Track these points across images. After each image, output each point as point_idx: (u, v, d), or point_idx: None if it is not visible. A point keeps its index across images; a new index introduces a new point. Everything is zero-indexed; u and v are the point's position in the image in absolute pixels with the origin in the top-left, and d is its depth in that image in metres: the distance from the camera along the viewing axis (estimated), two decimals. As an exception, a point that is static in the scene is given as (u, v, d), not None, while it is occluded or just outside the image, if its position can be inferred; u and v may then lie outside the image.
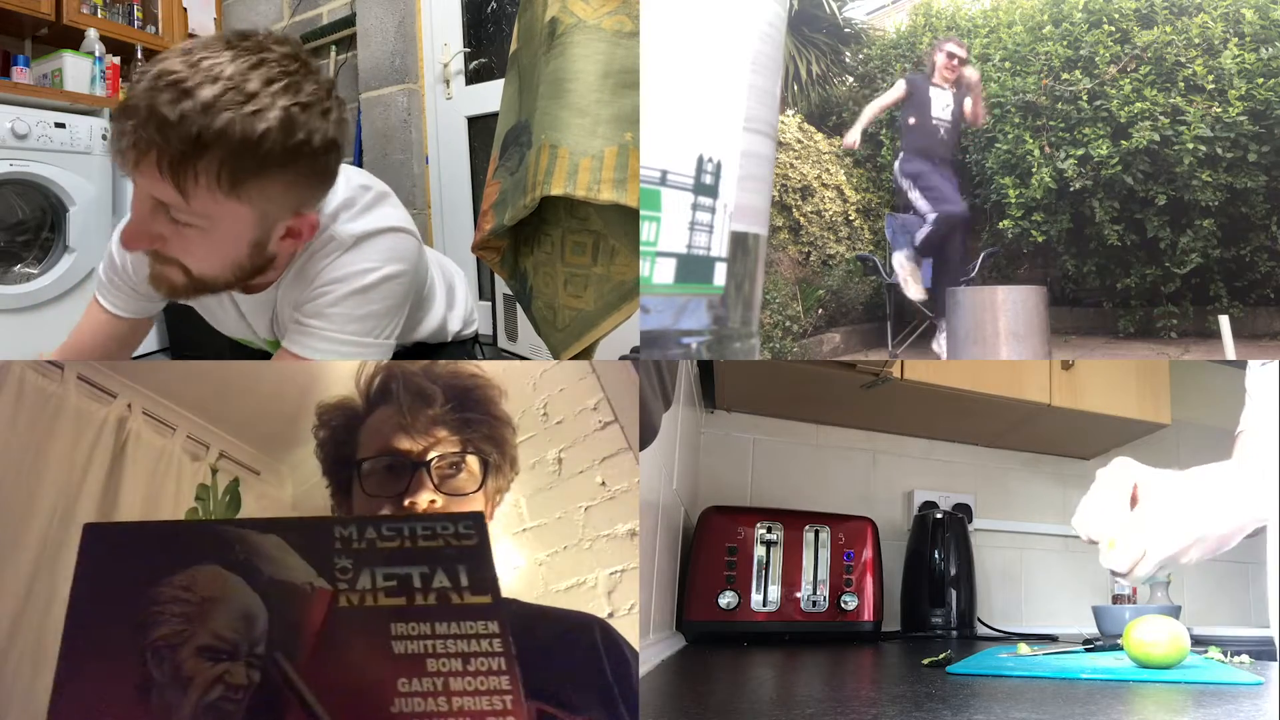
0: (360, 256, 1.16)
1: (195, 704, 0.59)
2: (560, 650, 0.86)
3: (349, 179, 1.21)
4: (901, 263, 3.05)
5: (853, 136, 3.16)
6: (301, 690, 0.59)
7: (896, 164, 3.13)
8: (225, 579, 0.65)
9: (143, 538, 0.70)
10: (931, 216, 2.97)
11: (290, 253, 1.13)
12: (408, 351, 1.61)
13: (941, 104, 3.01)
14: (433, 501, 0.96)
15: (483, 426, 1.01)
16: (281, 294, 1.22)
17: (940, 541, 1.86)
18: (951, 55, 3.03)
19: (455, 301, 1.67)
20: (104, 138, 2.97)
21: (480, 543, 0.70)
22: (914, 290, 3.02)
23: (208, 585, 0.65)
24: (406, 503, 0.95)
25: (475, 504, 0.99)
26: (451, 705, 0.59)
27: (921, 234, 3.00)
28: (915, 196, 3.01)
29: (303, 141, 0.96)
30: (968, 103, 3.04)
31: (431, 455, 0.97)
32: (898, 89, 3.08)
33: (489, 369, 1.06)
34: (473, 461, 0.99)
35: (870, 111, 3.14)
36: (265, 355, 1.44)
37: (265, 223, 1.03)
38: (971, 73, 3.06)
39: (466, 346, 1.73)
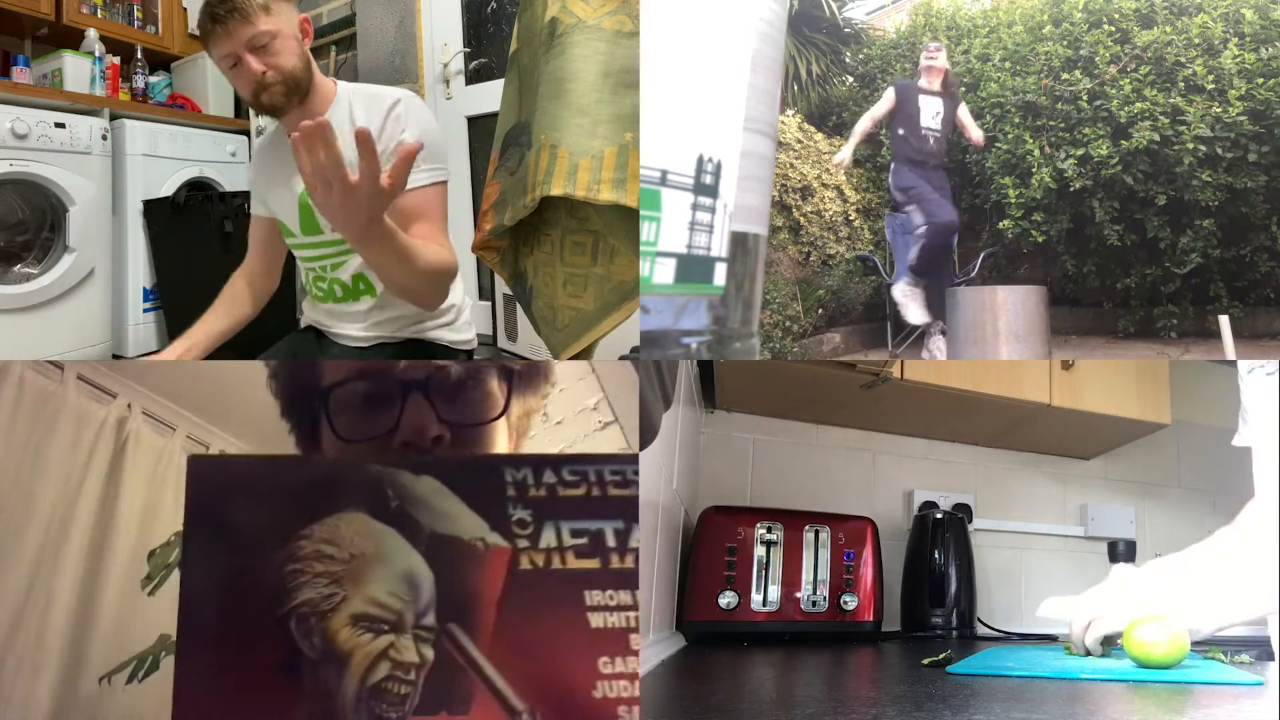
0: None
1: (359, 685, 0.49)
2: None
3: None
4: (903, 290, 3.04)
5: (843, 155, 3.14)
6: (487, 671, 0.50)
7: (890, 177, 3.12)
8: (378, 532, 0.54)
9: (270, 478, 0.56)
10: (921, 230, 2.97)
11: (307, 51, 1.55)
12: (419, 348, 1.64)
13: (931, 112, 3.00)
14: (439, 437, 0.71)
15: None
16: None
17: (940, 541, 1.86)
18: (928, 48, 3.03)
19: (461, 310, 1.71)
20: (104, 138, 2.97)
21: None
22: (915, 314, 3.02)
23: (357, 539, 0.53)
24: (398, 444, 0.70)
25: (496, 436, 0.74)
26: None
27: (914, 252, 3.00)
28: (911, 210, 3.01)
29: None
30: (963, 110, 3.04)
31: (428, 370, 0.73)
32: (887, 99, 3.06)
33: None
34: (489, 375, 0.75)
35: (862, 127, 3.12)
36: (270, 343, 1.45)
37: (293, 22, 1.52)
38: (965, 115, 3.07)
39: (459, 359, 1.74)
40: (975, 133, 3.07)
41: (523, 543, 0.54)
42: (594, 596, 0.52)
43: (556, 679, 0.50)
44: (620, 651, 0.50)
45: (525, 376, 0.78)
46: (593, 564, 0.53)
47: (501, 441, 0.77)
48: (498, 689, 0.49)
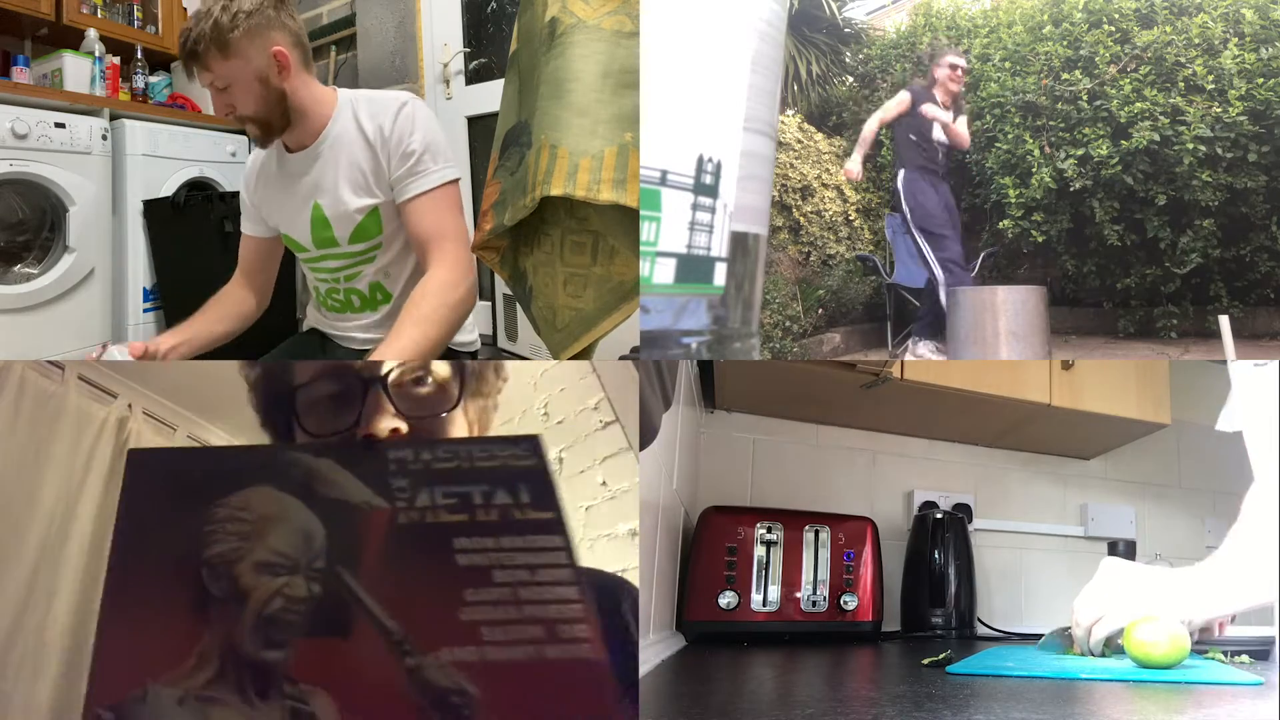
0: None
1: (255, 615, 0.58)
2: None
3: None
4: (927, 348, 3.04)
5: (855, 165, 3.09)
6: (366, 600, 0.59)
7: (899, 179, 3.07)
8: (281, 500, 0.65)
9: (194, 463, 0.70)
10: (932, 288, 2.97)
11: (293, 87, 1.56)
12: None
13: (941, 125, 3.00)
14: (395, 430, 0.78)
15: None
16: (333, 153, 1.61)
17: (940, 541, 1.86)
18: (954, 66, 3.00)
19: None
20: (104, 138, 2.97)
21: (540, 463, 0.70)
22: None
23: (264, 505, 0.64)
24: (361, 436, 0.77)
25: (452, 426, 0.81)
26: (522, 613, 0.58)
27: (924, 315, 2.99)
28: (918, 236, 3.00)
29: (237, 15, 1.50)
30: (961, 122, 3.04)
31: (388, 367, 0.80)
32: (900, 102, 3.03)
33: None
34: (442, 370, 0.82)
35: (871, 128, 3.09)
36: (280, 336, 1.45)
37: (254, 65, 1.53)
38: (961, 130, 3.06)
39: (463, 359, 1.74)
40: (963, 137, 3.07)
41: (401, 503, 0.65)
42: (461, 542, 0.63)
43: (426, 605, 0.59)
44: (484, 583, 0.60)
45: (478, 374, 0.88)
46: (461, 518, 0.65)
47: (460, 432, 0.84)
48: (375, 616, 0.59)
